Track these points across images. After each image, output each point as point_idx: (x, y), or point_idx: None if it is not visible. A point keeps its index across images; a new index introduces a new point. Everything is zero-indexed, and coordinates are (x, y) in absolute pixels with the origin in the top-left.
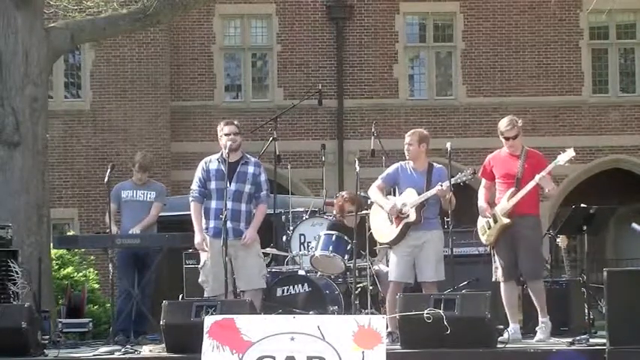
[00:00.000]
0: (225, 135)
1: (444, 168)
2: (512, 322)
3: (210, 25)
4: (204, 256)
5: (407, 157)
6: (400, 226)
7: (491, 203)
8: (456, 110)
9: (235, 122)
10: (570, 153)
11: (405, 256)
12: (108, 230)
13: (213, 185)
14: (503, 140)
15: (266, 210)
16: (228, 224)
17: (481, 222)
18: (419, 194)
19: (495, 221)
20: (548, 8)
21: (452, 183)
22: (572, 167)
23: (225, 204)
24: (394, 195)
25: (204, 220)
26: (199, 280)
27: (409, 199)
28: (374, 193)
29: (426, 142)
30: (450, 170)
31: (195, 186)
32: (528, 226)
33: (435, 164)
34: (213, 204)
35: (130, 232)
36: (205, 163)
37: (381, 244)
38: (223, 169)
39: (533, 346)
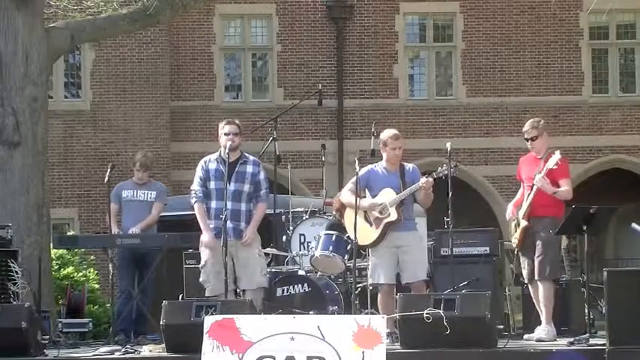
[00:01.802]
0: (225, 134)
1: (416, 167)
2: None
3: (210, 25)
4: (204, 256)
5: (391, 161)
6: (381, 226)
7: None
8: (456, 110)
9: (237, 122)
10: (556, 156)
11: (390, 257)
12: (108, 230)
13: (212, 185)
14: (526, 142)
15: (265, 209)
16: (229, 224)
17: (511, 224)
18: (397, 194)
19: (519, 224)
20: (548, 8)
21: (435, 177)
22: (572, 167)
23: (225, 204)
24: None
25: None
26: (200, 279)
27: (387, 198)
28: (347, 196)
29: None
30: (450, 170)
31: (196, 186)
32: (543, 227)
33: (405, 164)
34: (214, 204)
35: (130, 232)
36: (205, 163)
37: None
38: (222, 168)
39: (534, 346)
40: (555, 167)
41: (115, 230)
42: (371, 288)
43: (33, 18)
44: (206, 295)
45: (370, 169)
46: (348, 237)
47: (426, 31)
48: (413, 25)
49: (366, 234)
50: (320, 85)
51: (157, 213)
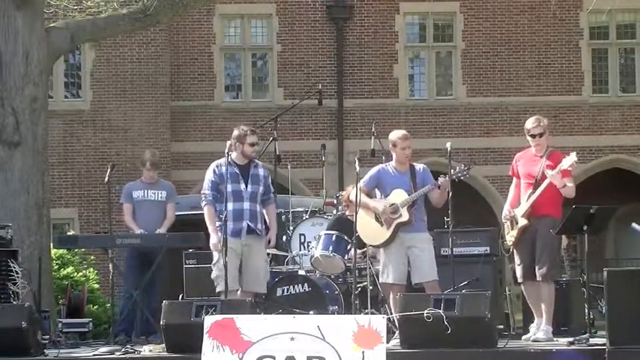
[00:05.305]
0: (250, 145)
1: (426, 167)
2: (537, 316)
3: (210, 25)
4: (217, 254)
5: (400, 161)
6: (392, 226)
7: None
8: (455, 110)
9: (257, 131)
10: (572, 157)
11: (401, 257)
12: (130, 230)
13: (229, 188)
14: (529, 139)
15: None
16: (248, 223)
17: (506, 222)
18: (408, 194)
19: (516, 222)
20: (548, 8)
21: (451, 178)
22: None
23: (228, 204)
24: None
25: (218, 223)
26: (212, 275)
27: (398, 199)
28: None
29: None
30: (450, 170)
31: (207, 190)
32: (545, 227)
33: (415, 164)
34: (230, 206)
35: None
36: (217, 167)
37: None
38: (237, 172)
39: (533, 346)
40: (570, 169)
41: (137, 230)
42: (371, 288)
43: (33, 18)
44: (217, 291)
45: (380, 168)
46: (349, 237)
47: (426, 31)
48: (413, 25)
49: (377, 234)
50: (320, 85)
51: (173, 214)
